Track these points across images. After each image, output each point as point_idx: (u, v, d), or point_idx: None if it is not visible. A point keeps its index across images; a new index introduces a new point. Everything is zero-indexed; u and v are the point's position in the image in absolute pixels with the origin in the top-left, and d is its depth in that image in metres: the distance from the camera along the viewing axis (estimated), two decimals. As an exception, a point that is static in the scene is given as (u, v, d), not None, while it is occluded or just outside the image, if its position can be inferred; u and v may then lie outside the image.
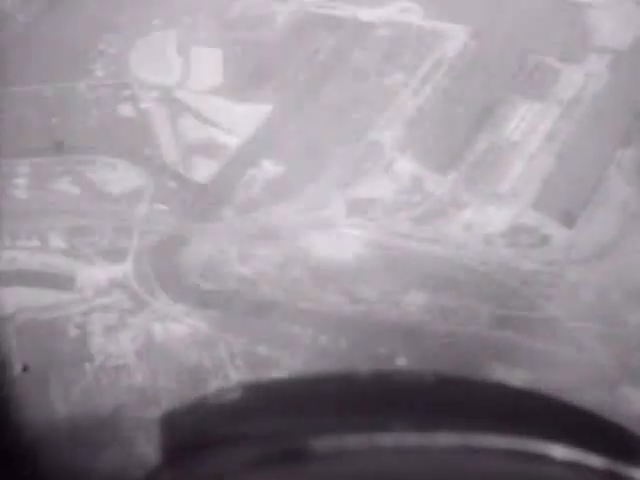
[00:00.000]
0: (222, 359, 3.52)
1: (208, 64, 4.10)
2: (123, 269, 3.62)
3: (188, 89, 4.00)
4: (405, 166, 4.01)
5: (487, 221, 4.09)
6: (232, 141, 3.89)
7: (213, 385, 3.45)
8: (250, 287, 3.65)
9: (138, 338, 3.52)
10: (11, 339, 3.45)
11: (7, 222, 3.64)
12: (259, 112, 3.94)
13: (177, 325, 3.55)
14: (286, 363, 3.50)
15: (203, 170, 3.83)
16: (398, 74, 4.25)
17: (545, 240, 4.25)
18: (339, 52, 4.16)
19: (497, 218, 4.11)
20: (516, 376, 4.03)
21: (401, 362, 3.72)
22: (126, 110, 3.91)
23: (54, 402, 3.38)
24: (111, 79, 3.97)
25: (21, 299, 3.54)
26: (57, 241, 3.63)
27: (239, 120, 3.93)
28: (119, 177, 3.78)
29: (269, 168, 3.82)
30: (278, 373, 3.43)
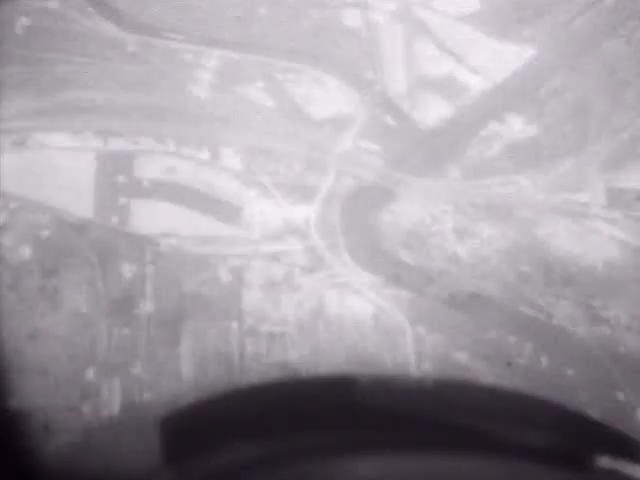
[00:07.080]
0: (406, 357, 2.70)
1: (466, -17, 3.22)
2: (306, 213, 2.87)
3: (434, 9, 3.16)
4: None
5: None
6: (477, 83, 3.06)
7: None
8: (463, 272, 2.81)
9: (305, 304, 2.75)
10: (146, 266, 2.71)
11: (174, 121, 2.88)
12: (519, 55, 3.10)
13: (358, 299, 2.79)
14: (486, 378, 2.68)
15: (432, 111, 3.03)
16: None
17: None
18: None
19: None
20: None
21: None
22: (352, 17, 3.10)
23: (182, 364, 2.62)
24: (342, -25, 3.15)
25: (171, 221, 2.81)
26: (232, 159, 2.89)
27: (491, 59, 3.11)
28: (325, 97, 3.00)
29: (517, 126, 3.00)
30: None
